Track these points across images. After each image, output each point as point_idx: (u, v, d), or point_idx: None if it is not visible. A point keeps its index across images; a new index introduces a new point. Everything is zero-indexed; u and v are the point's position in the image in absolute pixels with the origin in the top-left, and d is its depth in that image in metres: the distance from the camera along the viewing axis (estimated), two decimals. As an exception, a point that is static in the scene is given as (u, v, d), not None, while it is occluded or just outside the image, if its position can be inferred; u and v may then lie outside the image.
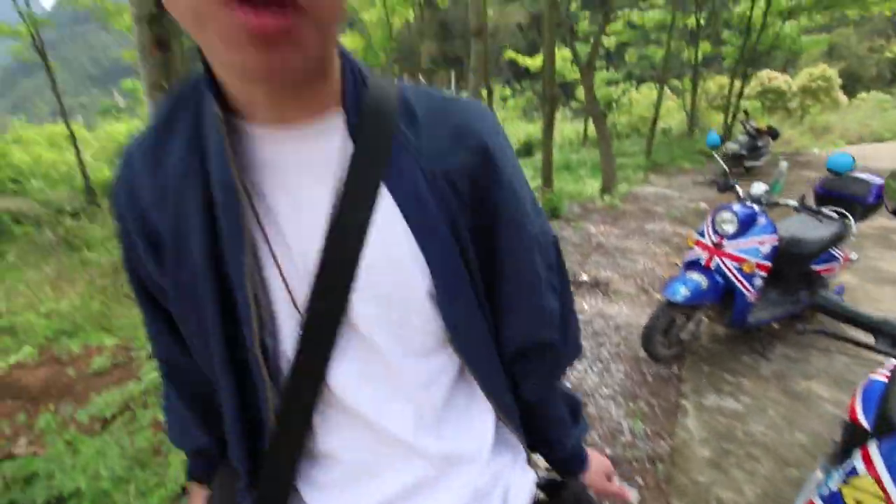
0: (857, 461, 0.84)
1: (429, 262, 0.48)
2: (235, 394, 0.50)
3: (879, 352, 0.91)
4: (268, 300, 0.47)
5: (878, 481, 0.78)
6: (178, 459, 1.94)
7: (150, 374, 2.82)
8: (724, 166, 2.92)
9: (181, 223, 0.46)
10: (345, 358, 0.49)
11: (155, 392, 2.59)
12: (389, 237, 0.47)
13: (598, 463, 0.75)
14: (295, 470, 0.53)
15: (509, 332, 0.57)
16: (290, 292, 0.47)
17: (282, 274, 0.46)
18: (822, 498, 0.84)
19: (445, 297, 0.50)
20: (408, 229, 0.47)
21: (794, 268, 2.60)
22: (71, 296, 4.15)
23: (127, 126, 9.29)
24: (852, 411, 1.34)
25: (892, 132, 14.13)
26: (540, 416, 0.66)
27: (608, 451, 2.02)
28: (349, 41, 9.11)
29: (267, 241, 0.46)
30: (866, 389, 1.37)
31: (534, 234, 0.54)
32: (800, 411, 2.19)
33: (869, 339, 0.96)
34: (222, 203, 0.44)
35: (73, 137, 6.50)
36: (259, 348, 0.47)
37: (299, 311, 0.47)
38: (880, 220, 5.00)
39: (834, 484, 0.84)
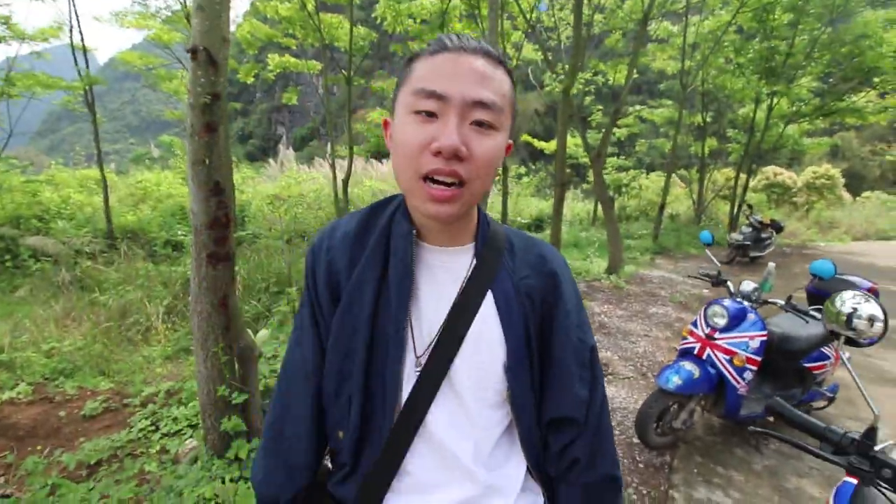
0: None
1: (507, 344, 0.72)
2: (361, 410, 0.70)
3: (820, 457, 0.96)
4: (405, 348, 0.70)
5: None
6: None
7: (141, 422, 2.82)
8: (717, 263, 3.04)
9: (358, 288, 0.71)
10: (440, 404, 0.71)
11: (144, 443, 2.59)
12: (487, 322, 0.72)
13: None
14: (393, 475, 0.71)
15: (546, 405, 0.76)
16: (413, 338, 0.71)
17: (412, 326, 0.71)
18: None
19: (513, 368, 0.72)
20: (499, 321, 0.72)
21: (785, 364, 2.63)
22: (75, 335, 4.22)
23: (157, 176, 9.72)
24: None
25: (896, 231, 14.34)
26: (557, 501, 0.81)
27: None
28: (378, 115, 9.74)
29: (409, 312, 0.71)
30: (840, 490, 1.38)
31: (574, 341, 0.77)
32: (791, 513, 2.13)
33: (816, 445, 1.01)
34: (398, 281, 0.70)
35: (104, 183, 6.85)
36: (402, 374, 0.70)
37: (417, 365, 0.71)
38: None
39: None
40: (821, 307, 2.65)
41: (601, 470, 0.76)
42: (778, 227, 8.69)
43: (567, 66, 6.41)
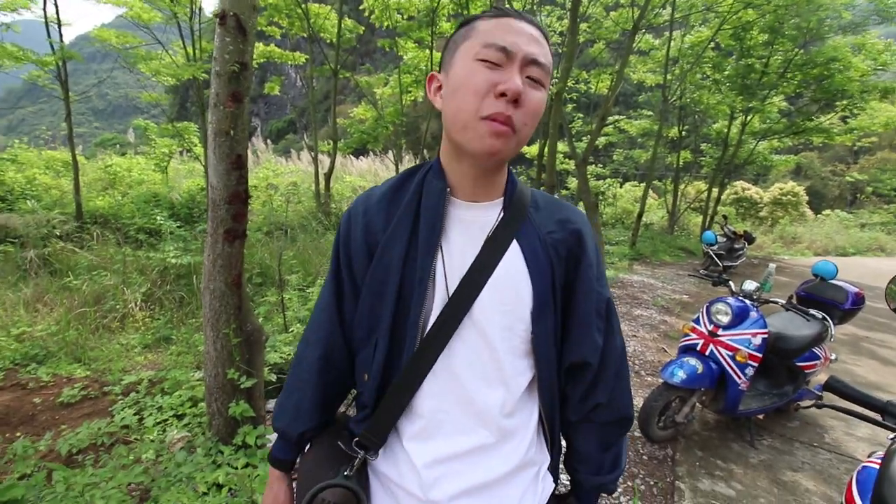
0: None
1: (533, 289, 0.76)
2: (386, 352, 0.75)
3: (887, 427, 1.00)
4: (432, 291, 0.74)
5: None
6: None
7: (124, 411, 2.69)
8: (719, 262, 3.12)
9: (391, 240, 0.76)
10: (463, 341, 0.74)
11: (138, 430, 2.47)
12: (513, 268, 0.76)
13: None
14: (402, 409, 0.75)
15: (566, 351, 0.82)
16: (447, 285, 0.74)
17: (445, 273, 0.75)
18: None
19: (538, 313, 0.76)
20: (525, 267, 0.76)
21: (781, 362, 2.73)
22: (47, 321, 3.99)
23: (128, 161, 9.35)
24: (849, 496, 1.40)
25: (854, 248, 15.25)
26: (574, 439, 0.88)
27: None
28: (362, 111, 9.61)
29: (442, 255, 0.75)
30: (860, 475, 1.44)
31: (594, 293, 0.81)
32: (789, 502, 2.20)
33: (875, 416, 1.05)
34: (427, 231, 0.75)
35: (75, 164, 6.56)
36: (421, 319, 0.73)
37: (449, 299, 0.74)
38: (851, 328, 5.27)
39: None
40: (817, 311, 2.78)
41: (620, 411, 0.84)
42: (750, 239, 9.03)
43: (557, 73, 6.51)
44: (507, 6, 7.63)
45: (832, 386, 1.11)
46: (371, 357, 0.77)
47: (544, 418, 0.82)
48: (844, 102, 10.39)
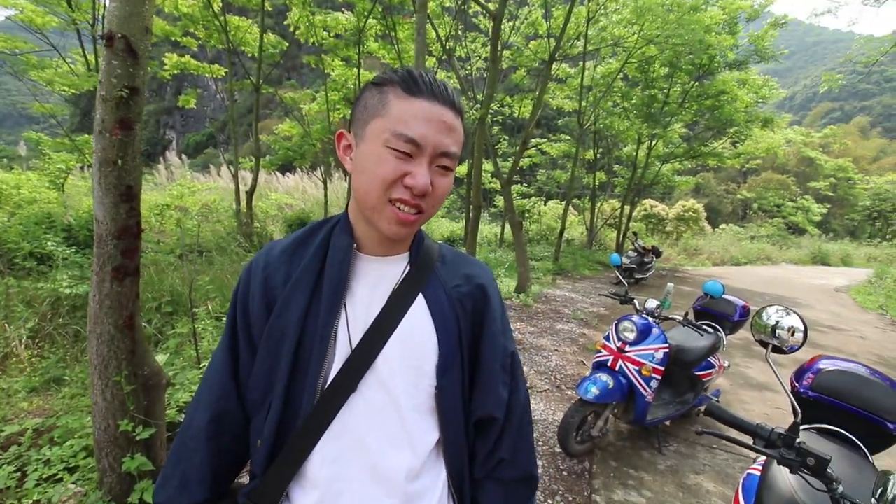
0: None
1: (439, 343, 0.76)
2: (280, 415, 0.71)
3: (754, 450, 1.10)
4: (334, 348, 0.72)
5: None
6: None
7: (2, 470, 2.34)
8: (625, 282, 3.34)
9: (292, 296, 0.73)
10: (365, 399, 0.72)
11: (16, 493, 2.15)
12: (418, 322, 0.76)
13: None
14: (292, 474, 0.71)
15: (473, 406, 0.81)
16: (350, 340, 0.73)
17: (349, 329, 0.73)
18: None
19: (444, 367, 0.76)
20: (431, 321, 0.77)
21: (681, 372, 2.96)
22: None
23: (16, 178, 8.33)
24: (736, 501, 1.53)
25: (746, 258, 17.24)
26: (480, 502, 0.84)
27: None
28: (288, 127, 9.34)
29: (346, 310, 0.74)
30: (746, 482, 1.59)
31: (499, 347, 0.83)
32: (693, 506, 2.38)
33: (747, 439, 1.16)
34: (332, 286, 0.73)
35: (-53, 183, 5.72)
36: (320, 379, 0.71)
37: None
38: (744, 333, 5.85)
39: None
40: (710, 323, 3.05)
41: (522, 466, 0.83)
42: (658, 253, 9.83)
43: (481, 96, 6.73)
44: (430, 29, 7.82)
45: (711, 411, 1.20)
46: (264, 421, 0.73)
47: (451, 479, 0.79)
48: (733, 130, 11.80)
